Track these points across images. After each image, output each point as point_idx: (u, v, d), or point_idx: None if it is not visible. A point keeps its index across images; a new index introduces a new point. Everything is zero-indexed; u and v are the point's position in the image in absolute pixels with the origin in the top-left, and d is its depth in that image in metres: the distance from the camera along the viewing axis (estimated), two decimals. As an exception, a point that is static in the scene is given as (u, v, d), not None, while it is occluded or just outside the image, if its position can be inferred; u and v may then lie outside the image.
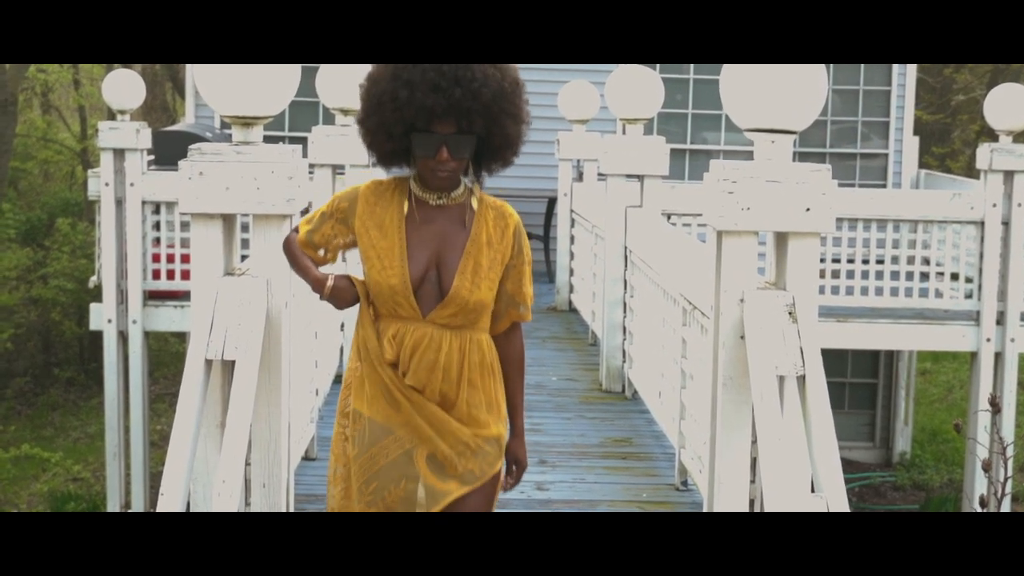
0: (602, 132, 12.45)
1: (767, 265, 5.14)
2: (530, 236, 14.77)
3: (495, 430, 4.01)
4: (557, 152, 13.02)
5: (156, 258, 12.00)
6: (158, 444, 15.94)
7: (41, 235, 21.35)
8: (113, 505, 12.34)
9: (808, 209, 4.89)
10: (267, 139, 5.10)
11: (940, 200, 11.25)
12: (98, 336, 12.38)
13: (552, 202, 14.65)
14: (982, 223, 11.04)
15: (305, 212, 7.39)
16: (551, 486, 6.87)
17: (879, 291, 11.32)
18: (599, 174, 10.76)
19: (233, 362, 4.78)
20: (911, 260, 11.36)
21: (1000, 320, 11.11)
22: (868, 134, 16.28)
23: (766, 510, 4.46)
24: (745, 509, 5.15)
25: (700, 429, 6.23)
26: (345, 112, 8.83)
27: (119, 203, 11.82)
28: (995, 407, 4.92)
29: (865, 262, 11.40)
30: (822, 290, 10.94)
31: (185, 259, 11.87)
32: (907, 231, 11.32)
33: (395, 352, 3.89)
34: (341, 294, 3.99)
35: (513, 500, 6.44)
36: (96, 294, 12.50)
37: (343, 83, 8.60)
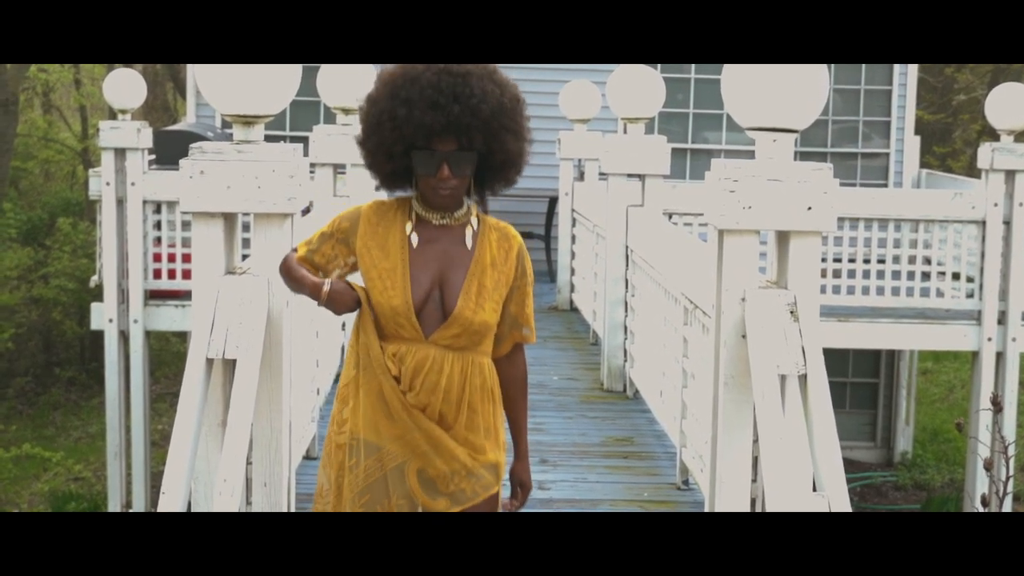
0: (603, 131, 12.44)
1: (768, 264, 5.14)
2: (531, 236, 14.81)
3: (492, 456, 3.95)
4: (558, 151, 13.01)
5: (157, 257, 12.00)
6: (159, 444, 15.94)
7: (42, 235, 21.35)
8: (114, 505, 12.34)
9: (810, 208, 4.88)
10: (268, 138, 5.10)
11: (941, 200, 11.25)
12: (99, 336, 12.38)
13: (553, 201, 14.65)
14: (983, 222, 11.03)
15: (306, 212, 7.39)
16: (552, 485, 6.86)
17: (880, 291, 11.31)
18: (600, 173, 10.76)
19: (234, 361, 4.78)
20: (912, 260, 11.35)
21: (1001, 320, 11.10)
22: (869, 134, 16.27)
23: (768, 509, 4.45)
24: (746, 508, 5.15)
25: (701, 428, 6.22)
26: (346, 111, 8.83)
27: (120, 202, 11.82)
28: (997, 406, 4.91)
29: (867, 262, 11.40)
30: (823, 289, 10.93)
31: (186, 258, 11.87)
32: (908, 230, 11.31)
33: (396, 370, 3.85)
34: (339, 297, 3.91)
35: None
36: (97, 293, 12.51)
37: (344, 82, 8.60)
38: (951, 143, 24.76)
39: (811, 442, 4.57)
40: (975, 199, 11.12)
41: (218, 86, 4.91)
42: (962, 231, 11.25)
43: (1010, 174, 10.78)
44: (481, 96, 3.70)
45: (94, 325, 12.24)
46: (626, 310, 9.03)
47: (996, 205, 10.90)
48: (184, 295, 11.77)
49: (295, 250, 4.10)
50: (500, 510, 4.05)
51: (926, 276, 11.46)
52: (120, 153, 11.77)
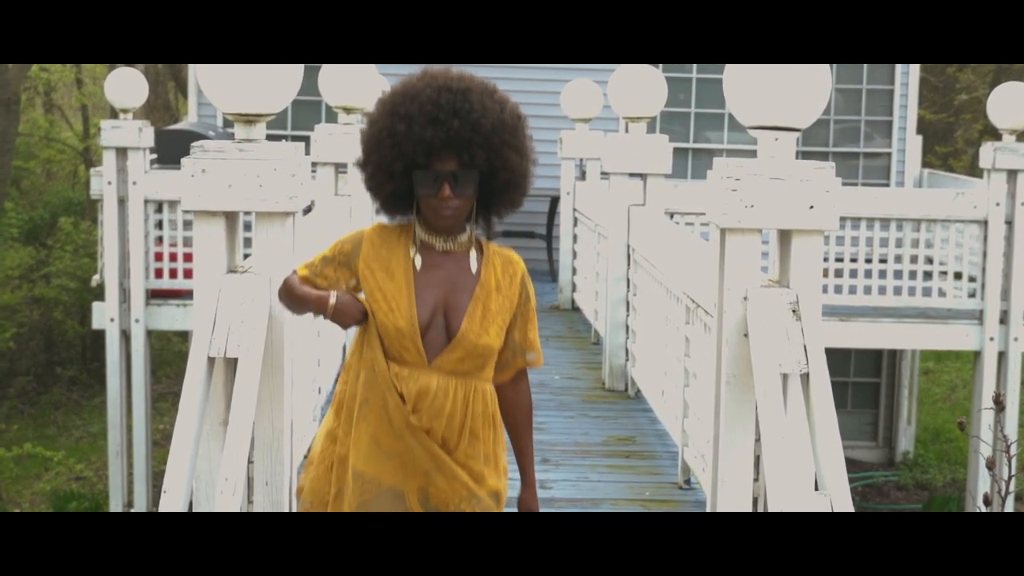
0: (605, 131, 12.44)
1: (770, 263, 5.13)
2: (533, 235, 14.81)
3: (492, 483, 3.90)
4: (560, 151, 13.00)
5: (159, 257, 12.02)
6: (160, 443, 15.93)
7: (44, 234, 21.35)
8: (116, 504, 12.35)
9: (812, 207, 4.88)
10: (270, 137, 5.09)
11: (943, 199, 11.24)
12: (100, 335, 12.39)
13: (555, 201, 14.64)
14: (985, 222, 11.03)
15: (308, 211, 7.38)
16: (554, 484, 6.86)
17: (882, 290, 11.31)
18: (602, 173, 10.75)
19: (236, 360, 4.78)
20: (914, 259, 11.34)
21: (1003, 319, 11.10)
22: (871, 133, 16.27)
23: (770, 508, 4.45)
24: (748, 507, 5.14)
25: (703, 427, 6.22)
26: (348, 110, 8.83)
27: (122, 202, 11.83)
28: (999, 405, 4.90)
29: (868, 261, 11.39)
30: (825, 289, 10.93)
31: (188, 258, 11.88)
32: (910, 230, 11.30)
33: (401, 388, 3.79)
34: (347, 309, 3.85)
35: (516, 499, 6.42)
36: (99, 293, 12.51)
37: (346, 82, 8.60)
38: (953, 143, 24.75)
39: (813, 441, 4.56)
40: (977, 199, 11.11)
41: (220, 85, 4.91)
42: (964, 231, 11.25)
43: (1012, 173, 10.77)
44: (481, 111, 3.64)
45: (95, 324, 12.25)
46: (628, 309, 9.03)
47: (998, 205, 10.90)
48: (186, 294, 11.78)
49: (296, 272, 4.05)
50: None
51: (928, 276, 11.45)
52: (122, 152, 11.79)
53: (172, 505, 4.39)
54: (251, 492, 5.25)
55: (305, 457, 6.79)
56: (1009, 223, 10.88)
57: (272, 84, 4.94)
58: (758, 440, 5.07)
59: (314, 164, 8.55)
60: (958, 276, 11.44)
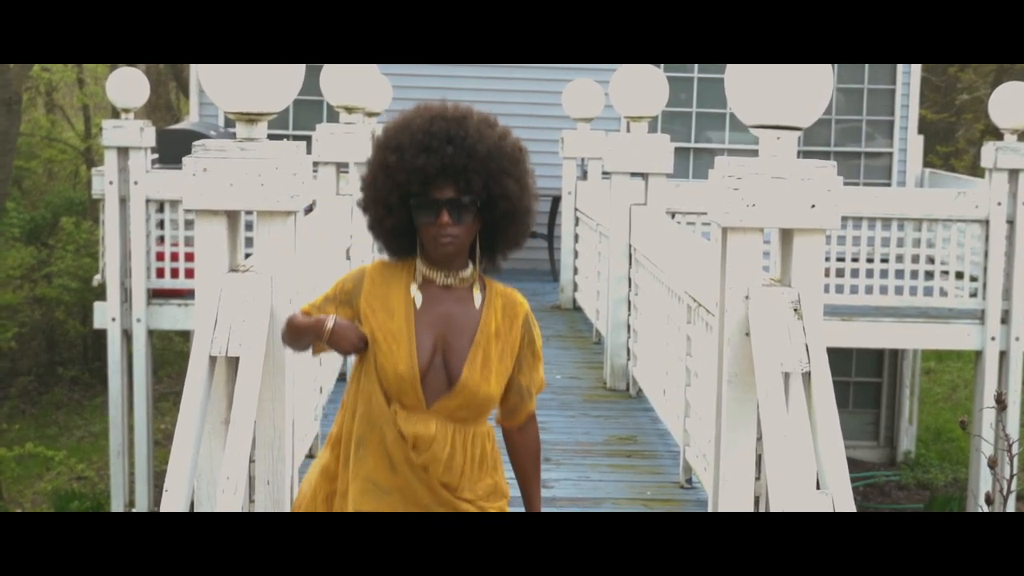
0: (606, 131, 12.43)
1: (772, 262, 5.13)
2: (534, 235, 14.82)
3: (495, 507, 3.84)
4: (561, 150, 13.00)
5: (160, 256, 12.01)
6: (162, 443, 15.93)
7: (45, 234, 21.37)
8: (117, 503, 12.35)
9: (813, 206, 4.87)
10: (271, 137, 5.09)
11: (945, 199, 11.24)
12: (102, 335, 12.39)
13: (556, 201, 14.65)
14: (987, 221, 11.02)
15: (309, 210, 7.38)
16: (555, 484, 6.86)
17: (884, 290, 11.30)
18: (603, 173, 10.75)
19: (237, 359, 4.77)
20: (916, 259, 11.33)
21: (1005, 319, 11.09)
22: (872, 133, 16.26)
23: (772, 507, 4.45)
24: (750, 507, 5.14)
25: (705, 427, 6.22)
26: (349, 110, 8.83)
27: (123, 201, 11.83)
28: (1001, 404, 4.90)
29: (870, 261, 11.39)
30: (827, 288, 10.92)
31: (189, 257, 11.88)
32: (912, 229, 11.29)
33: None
34: (344, 333, 3.69)
35: (517, 498, 6.42)
36: (100, 292, 12.51)
37: (347, 81, 8.61)
38: (954, 143, 24.75)
39: (815, 440, 4.56)
40: (978, 198, 11.11)
41: (221, 83, 4.91)
42: (965, 230, 11.24)
43: (1014, 173, 10.76)
44: (477, 137, 3.56)
45: (97, 324, 12.25)
46: (629, 309, 9.03)
47: (1000, 204, 10.89)
48: (187, 294, 11.78)
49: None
50: None
51: (929, 275, 11.44)
52: (123, 152, 11.79)
53: (174, 504, 4.39)
54: (252, 491, 5.25)
55: (308, 456, 6.80)
56: (1011, 222, 10.88)
57: (273, 83, 4.93)
58: (760, 439, 5.07)
59: (315, 164, 8.55)
60: (959, 276, 11.44)
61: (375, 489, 3.70)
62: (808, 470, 4.48)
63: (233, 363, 4.83)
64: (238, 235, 5.15)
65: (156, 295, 12.12)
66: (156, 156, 13.03)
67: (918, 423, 16.63)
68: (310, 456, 6.91)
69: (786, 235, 4.99)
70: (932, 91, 24.36)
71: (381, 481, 3.70)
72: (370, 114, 9.90)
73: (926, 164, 18.06)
